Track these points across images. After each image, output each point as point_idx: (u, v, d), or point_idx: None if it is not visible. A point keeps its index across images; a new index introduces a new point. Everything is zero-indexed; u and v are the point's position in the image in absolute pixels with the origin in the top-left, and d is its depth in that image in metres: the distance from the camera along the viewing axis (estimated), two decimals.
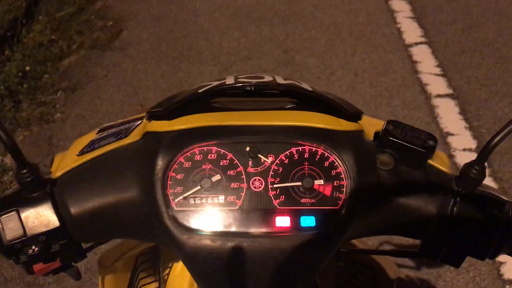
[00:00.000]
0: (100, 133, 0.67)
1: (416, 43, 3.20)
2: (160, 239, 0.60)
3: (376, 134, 0.61)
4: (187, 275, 0.95)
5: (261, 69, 3.06)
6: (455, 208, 0.58)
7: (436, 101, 2.71)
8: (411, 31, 3.30)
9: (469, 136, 2.48)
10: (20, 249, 0.57)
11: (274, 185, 0.57)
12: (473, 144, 2.42)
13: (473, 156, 2.32)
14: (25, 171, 0.56)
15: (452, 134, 2.48)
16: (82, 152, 0.62)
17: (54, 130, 2.64)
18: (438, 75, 2.91)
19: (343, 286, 0.90)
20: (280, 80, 0.60)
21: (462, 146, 2.42)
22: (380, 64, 3.02)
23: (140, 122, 0.66)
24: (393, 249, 0.72)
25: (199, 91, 0.58)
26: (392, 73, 2.93)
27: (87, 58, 3.24)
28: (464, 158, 2.37)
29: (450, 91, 2.78)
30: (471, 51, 3.09)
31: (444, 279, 1.85)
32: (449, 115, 2.61)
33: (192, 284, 0.92)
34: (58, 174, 0.60)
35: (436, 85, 2.83)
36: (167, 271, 0.99)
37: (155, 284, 0.97)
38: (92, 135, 0.68)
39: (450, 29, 3.29)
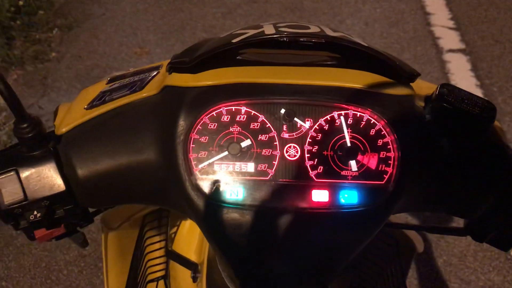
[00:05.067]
0: (110, 84, 0.59)
1: None
2: (178, 207, 0.53)
3: (427, 98, 0.53)
4: (195, 234, 0.90)
5: (266, 14, 2.91)
6: None
7: (447, 56, 2.60)
8: None
9: (480, 94, 2.39)
10: (20, 214, 0.51)
11: (312, 154, 0.50)
12: None
13: None
14: (25, 125, 0.49)
15: None
16: (91, 106, 0.55)
17: (49, 70, 2.53)
18: (451, 28, 2.79)
19: (360, 253, 0.86)
20: (329, 31, 0.51)
21: None
22: (392, 14, 2.88)
23: (156, 72, 0.57)
24: (431, 225, 0.66)
25: (233, 40, 0.49)
26: (404, 24, 2.80)
27: None
28: None
29: (462, 46, 2.67)
30: (487, 4, 2.95)
31: (446, 240, 1.83)
32: (460, 71, 2.52)
33: (201, 244, 0.87)
34: (63, 130, 0.53)
35: (449, 39, 2.72)
36: (175, 229, 0.94)
37: (161, 244, 0.92)
38: (101, 86, 0.60)
39: None
